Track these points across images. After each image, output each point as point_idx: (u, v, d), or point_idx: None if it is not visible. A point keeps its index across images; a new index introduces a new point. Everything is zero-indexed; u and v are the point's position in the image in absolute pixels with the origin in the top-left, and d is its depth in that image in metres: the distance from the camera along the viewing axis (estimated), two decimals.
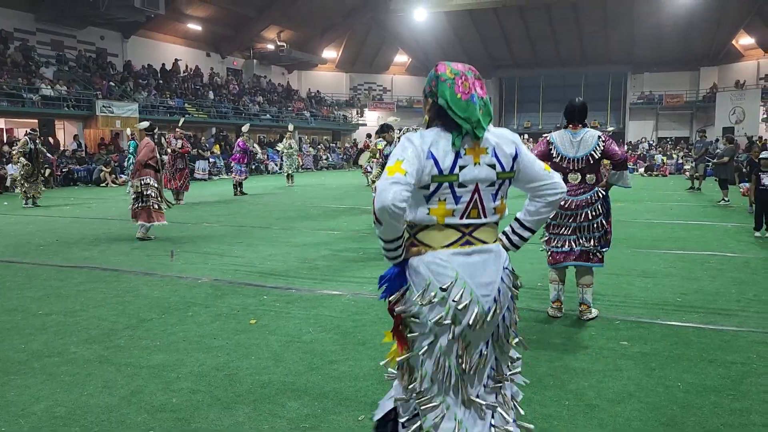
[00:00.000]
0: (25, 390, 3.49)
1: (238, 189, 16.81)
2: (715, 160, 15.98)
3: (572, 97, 5.00)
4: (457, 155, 2.08)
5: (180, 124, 17.00)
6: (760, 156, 9.82)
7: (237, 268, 6.83)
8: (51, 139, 22.43)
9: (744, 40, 34.40)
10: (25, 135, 14.87)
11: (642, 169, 28.61)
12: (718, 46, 34.64)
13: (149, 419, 3.12)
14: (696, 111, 36.16)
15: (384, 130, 9.25)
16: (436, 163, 2.06)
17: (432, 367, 2.12)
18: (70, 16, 24.54)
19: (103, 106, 22.86)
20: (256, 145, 17.89)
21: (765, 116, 31.29)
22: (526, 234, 2.33)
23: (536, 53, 38.30)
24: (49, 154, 17.83)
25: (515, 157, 2.18)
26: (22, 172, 13.83)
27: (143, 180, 8.87)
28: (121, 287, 5.93)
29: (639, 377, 3.65)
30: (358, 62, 41.66)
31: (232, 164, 17.55)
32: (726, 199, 13.80)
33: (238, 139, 17.36)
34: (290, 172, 19.98)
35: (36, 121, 21.02)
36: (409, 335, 2.18)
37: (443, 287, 2.07)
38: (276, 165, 27.66)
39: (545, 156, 4.78)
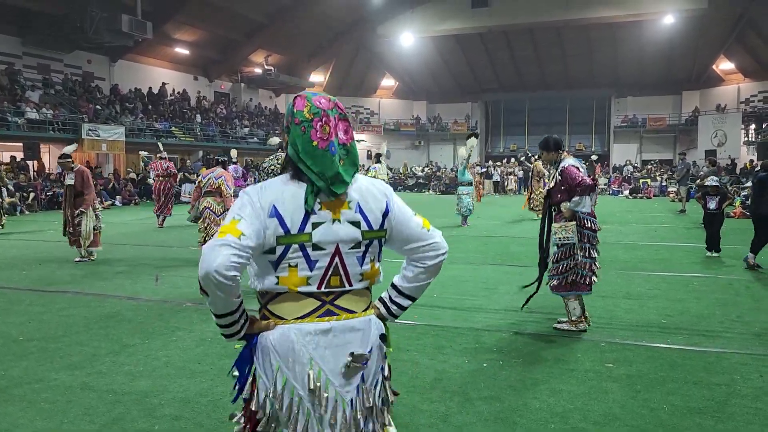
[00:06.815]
0: (4, 418, 3.43)
1: None
2: (697, 182, 16.23)
3: (552, 133, 5.48)
4: (310, 209, 1.71)
5: (160, 148, 17.02)
6: (706, 183, 10.04)
7: None
8: (36, 163, 22.31)
9: (724, 65, 35.07)
10: None
11: (627, 192, 28.90)
12: (699, 71, 35.28)
13: None
14: (679, 134, 36.64)
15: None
16: (281, 221, 1.68)
17: None
18: (57, 40, 24.49)
19: (90, 130, 22.78)
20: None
21: (746, 139, 31.80)
22: (405, 303, 1.93)
23: (521, 77, 38.78)
24: (9, 186, 17.70)
25: (386, 214, 1.80)
26: None
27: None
28: (104, 312, 5.87)
29: (624, 400, 3.66)
30: (345, 86, 41.92)
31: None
32: None
33: (231, 166, 17.30)
34: None
35: (21, 144, 20.87)
36: None
37: (294, 378, 1.71)
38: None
39: None
